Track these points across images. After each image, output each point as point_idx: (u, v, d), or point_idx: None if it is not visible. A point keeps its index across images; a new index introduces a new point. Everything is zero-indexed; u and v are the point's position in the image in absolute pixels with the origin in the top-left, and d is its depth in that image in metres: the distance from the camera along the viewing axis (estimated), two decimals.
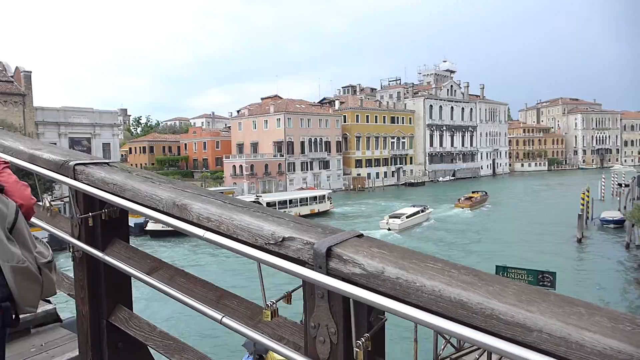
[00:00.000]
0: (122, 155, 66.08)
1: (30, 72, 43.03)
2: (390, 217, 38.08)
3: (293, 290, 1.33)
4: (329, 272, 1.17)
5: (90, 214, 1.81)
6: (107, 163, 1.99)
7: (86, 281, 1.87)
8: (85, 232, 1.85)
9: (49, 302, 2.64)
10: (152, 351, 1.93)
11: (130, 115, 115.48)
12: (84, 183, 1.80)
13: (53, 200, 2.05)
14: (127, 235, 1.97)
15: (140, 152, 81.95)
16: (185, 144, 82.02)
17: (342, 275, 1.15)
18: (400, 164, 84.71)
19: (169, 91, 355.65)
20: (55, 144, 42.15)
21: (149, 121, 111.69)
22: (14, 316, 1.43)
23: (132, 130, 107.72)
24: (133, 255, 1.81)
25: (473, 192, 54.38)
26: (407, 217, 38.05)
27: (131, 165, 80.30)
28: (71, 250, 1.90)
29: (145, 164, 78.55)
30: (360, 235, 1.29)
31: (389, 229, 36.11)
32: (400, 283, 1.07)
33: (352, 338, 1.16)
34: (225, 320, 1.39)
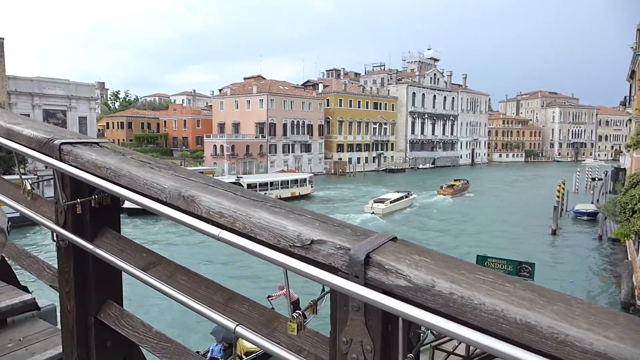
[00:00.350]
0: (99, 130, 64.28)
1: (3, 38, 41.16)
2: (375, 201, 38.42)
3: (319, 299, 1.18)
4: (367, 283, 1.02)
5: (78, 200, 1.61)
6: (96, 143, 1.78)
7: (72, 274, 1.68)
8: (71, 219, 1.65)
9: (27, 290, 2.43)
10: (143, 350, 1.76)
11: (108, 89, 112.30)
12: (72, 165, 1.59)
13: (25, 174, 1.83)
14: (119, 224, 1.78)
15: (118, 128, 79.99)
16: (165, 121, 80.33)
17: (382, 287, 1.01)
18: (381, 150, 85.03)
19: (149, 66, 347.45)
20: (28, 115, 40.92)
21: (127, 96, 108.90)
22: None
23: (110, 104, 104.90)
24: (126, 248, 1.63)
25: (455, 180, 55.13)
26: (391, 202, 38.39)
27: (108, 140, 78.46)
28: (55, 239, 1.70)
29: (123, 139, 76.77)
30: (395, 238, 1.14)
31: (373, 213, 36.47)
32: (454, 300, 0.93)
33: (390, 357, 1.03)
34: (240, 329, 1.23)
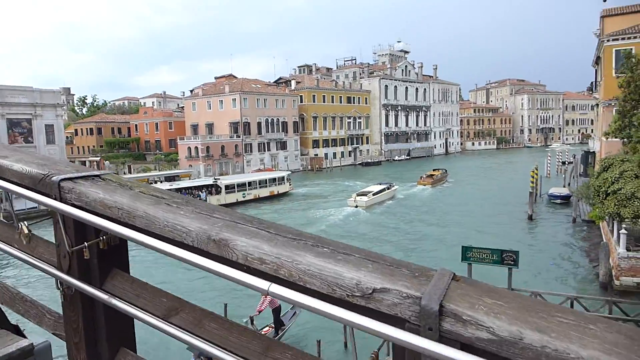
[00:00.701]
0: (67, 137, 62.26)
1: None
2: (358, 194, 38.97)
3: (379, 348, 1.07)
4: (441, 337, 0.91)
5: (85, 244, 1.44)
6: (98, 176, 1.60)
7: (81, 324, 1.51)
8: (77, 264, 1.48)
9: (20, 331, 2.23)
10: None
11: (74, 95, 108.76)
12: (75, 206, 1.42)
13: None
14: (128, 264, 1.62)
15: (87, 134, 77.62)
16: (136, 125, 78.41)
17: (460, 340, 0.90)
18: (356, 144, 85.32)
19: (116, 69, 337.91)
20: None
21: (95, 101, 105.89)
22: None
23: (77, 110, 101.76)
24: (142, 293, 1.46)
25: (434, 170, 55.81)
26: (373, 195, 38.99)
27: (78, 148, 76.11)
28: (60, 287, 1.52)
29: (94, 146, 74.69)
30: (454, 276, 1.03)
31: (357, 206, 36.97)
32: (547, 354, 0.85)
33: None
34: None
